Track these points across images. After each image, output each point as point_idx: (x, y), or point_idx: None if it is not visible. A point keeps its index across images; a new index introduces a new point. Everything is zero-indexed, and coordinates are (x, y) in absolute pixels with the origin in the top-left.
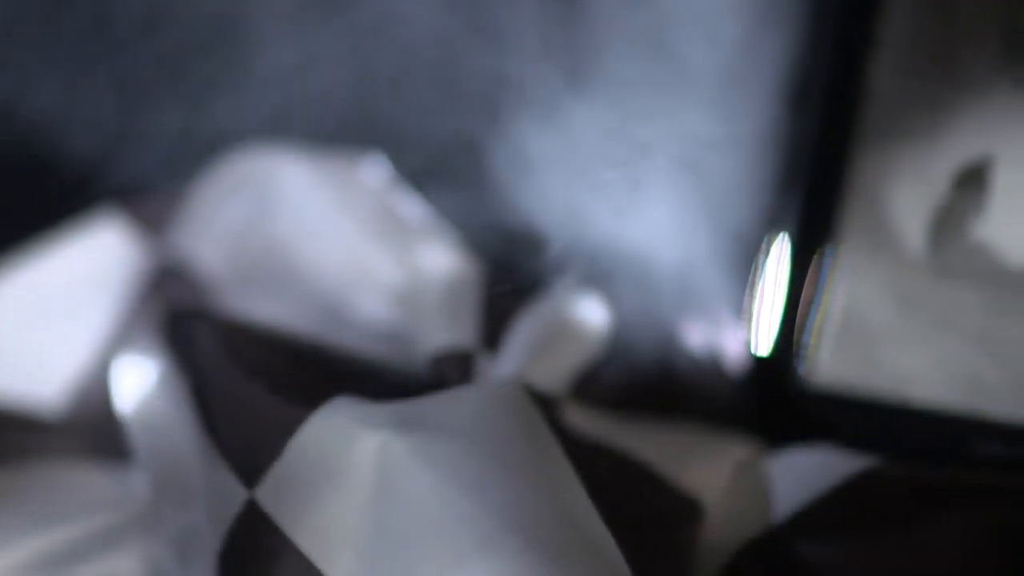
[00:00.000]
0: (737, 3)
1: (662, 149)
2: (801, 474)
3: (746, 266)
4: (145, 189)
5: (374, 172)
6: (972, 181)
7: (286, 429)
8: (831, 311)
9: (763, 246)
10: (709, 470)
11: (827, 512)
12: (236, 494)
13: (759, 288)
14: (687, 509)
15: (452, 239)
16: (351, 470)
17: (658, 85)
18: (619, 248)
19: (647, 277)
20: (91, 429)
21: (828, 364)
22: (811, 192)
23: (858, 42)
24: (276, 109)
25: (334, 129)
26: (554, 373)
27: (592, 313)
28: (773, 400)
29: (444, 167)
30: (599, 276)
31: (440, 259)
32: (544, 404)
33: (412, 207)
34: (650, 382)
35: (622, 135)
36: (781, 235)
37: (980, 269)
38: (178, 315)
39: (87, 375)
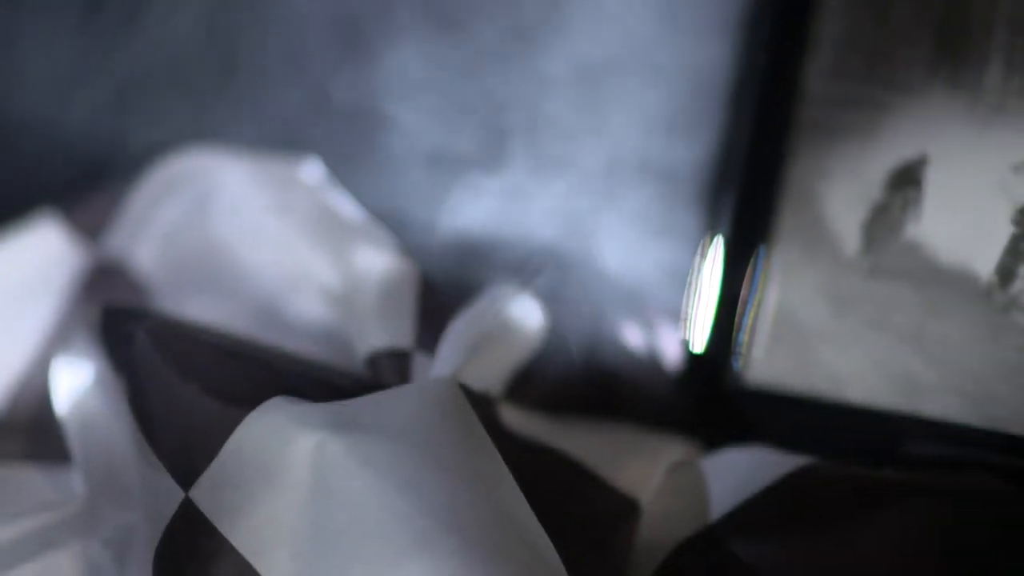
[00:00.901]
0: (672, 6)
1: (599, 151)
2: (737, 473)
3: (682, 266)
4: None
5: (311, 173)
6: (907, 181)
7: (222, 429)
8: (766, 310)
9: (699, 246)
10: (645, 470)
11: (763, 511)
12: (173, 494)
13: (695, 287)
14: (623, 508)
15: (389, 240)
16: (287, 470)
17: (596, 89)
18: (555, 249)
19: (583, 277)
20: (28, 430)
21: (763, 363)
22: (746, 192)
23: (793, 43)
24: None
25: None
26: (490, 373)
27: (528, 313)
28: (709, 399)
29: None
30: (535, 277)
31: (377, 260)
32: (480, 404)
33: (349, 208)
34: (586, 381)
35: (558, 137)
36: (717, 235)
37: (914, 268)
38: (115, 316)
39: (24, 376)
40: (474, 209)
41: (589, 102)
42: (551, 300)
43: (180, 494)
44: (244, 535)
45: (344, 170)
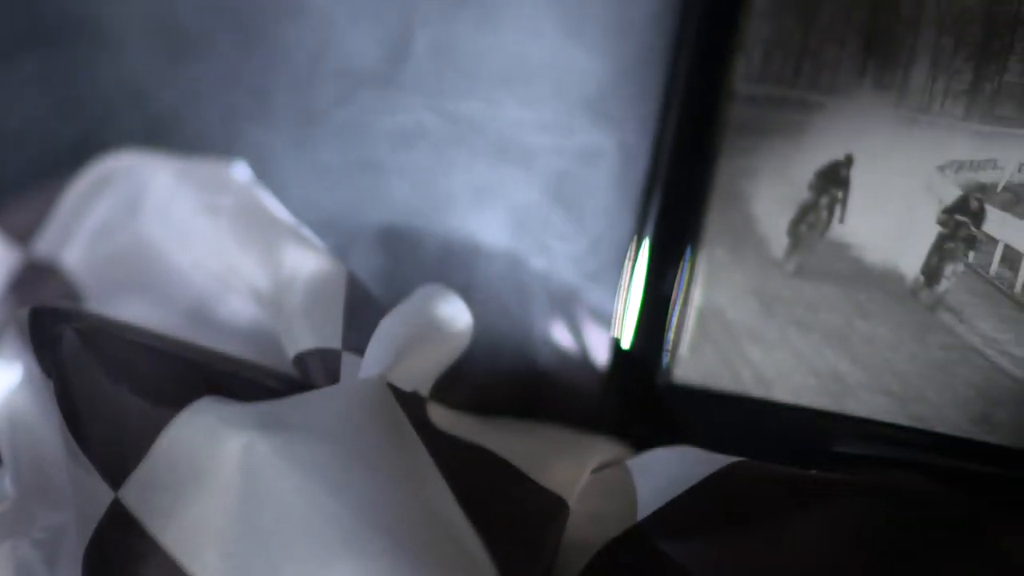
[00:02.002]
0: (601, 5)
1: (529, 150)
2: (664, 473)
3: (611, 265)
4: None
5: (240, 174)
6: (833, 181)
7: (152, 430)
8: (694, 310)
9: (628, 245)
10: (573, 470)
11: (690, 510)
12: (102, 495)
13: (623, 287)
14: (551, 508)
15: (318, 241)
16: (216, 471)
17: (528, 90)
18: (484, 249)
19: (511, 277)
20: None
21: (690, 362)
22: (675, 192)
23: (719, 43)
24: None
25: None
26: (419, 373)
27: (456, 313)
28: (637, 397)
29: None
30: (463, 276)
31: (305, 260)
32: (409, 404)
33: (278, 209)
34: (515, 381)
35: (489, 139)
36: (645, 234)
37: (841, 268)
38: (44, 316)
39: None
40: (393, 201)
41: (523, 94)
42: (478, 299)
43: (110, 495)
44: (174, 535)
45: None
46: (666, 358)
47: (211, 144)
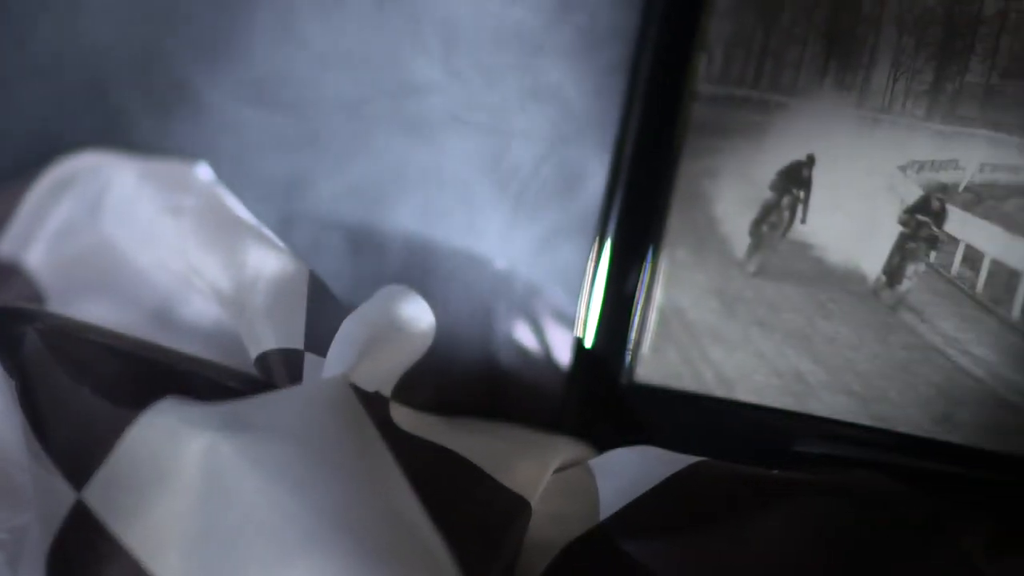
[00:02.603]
0: (565, 7)
1: (492, 151)
2: (626, 473)
3: (573, 265)
4: None
5: (202, 175)
6: (795, 181)
7: (114, 430)
8: (656, 310)
9: (590, 245)
10: (535, 469)
11: (652, 510)
12: (65, 496)
13: (585, 287)
14: (514, 508)
15: (279, 241)
16: (179, 471)
17: (492, 91)
18: (446, 249)
19: (474, 277)
20: None
21: (653, 362)
22: (637, 192)
23: (682, 44)
24: None
25: None
26: (381, 373)
27: (418, 313)
28: (598, 398)
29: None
30: (426, 276)
31: (268, 261)
32: (371, 404)
33: (240, 209)
34: (477, 381)
35: (454, 138)
36: (607, 235)
37: (803, 268)
38: (6, 316)
39: None
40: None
41: (488, 92)
42: (440, 299)
43: (72, 495)
44: (136, 536)
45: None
46: (628, 358)
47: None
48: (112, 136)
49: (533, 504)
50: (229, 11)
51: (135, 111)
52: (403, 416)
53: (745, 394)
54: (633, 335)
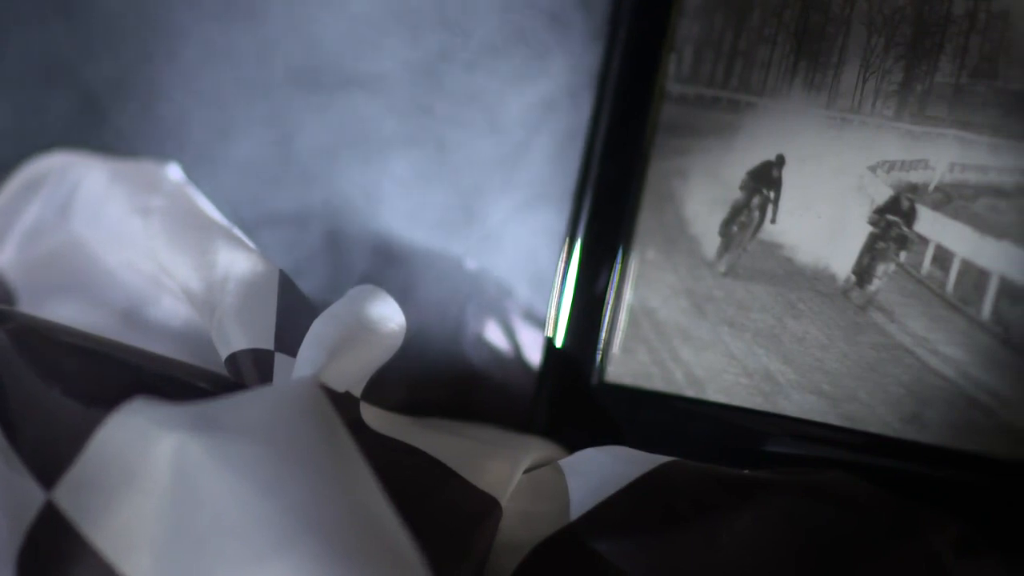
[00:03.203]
0: (533, 7)
1: (462, 150)
2: (597, 473)
3: (544, 265)
4: None
5: (172, 175)
6: (764, 181)
7: (84, 431)
8: (625, 310)
9: (560, 246)
10: (506, 469)
11: (623, 509)
12: (34, 496)
13: (556, 287)
14: (484, 508)
15: (250, 241)
16: (149, 471)
17: (459, 92)
18: (417, 249)
19: (444, 278)
20: None
21: (622, 362)
22: (606, 192)
23: (652, 43)
24: None
25: None
26: (351, 373)
27: (388, 314)
28: (569, 397)
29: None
30: (397, 276)
31: (238, 261)
32: (341, 404)
33: (210, 210)
34: (448, 381)
35: (424, 138)
36: (577, 235)
37: (773, 268)
38: None
39: None
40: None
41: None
42: (411, 299)
43: (42, 496)
44: (106, 536)
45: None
46: (598, 358)
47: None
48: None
49: (503, 504)
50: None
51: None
52: (373, 416)
53: (715, 394)
54: (603, 335)
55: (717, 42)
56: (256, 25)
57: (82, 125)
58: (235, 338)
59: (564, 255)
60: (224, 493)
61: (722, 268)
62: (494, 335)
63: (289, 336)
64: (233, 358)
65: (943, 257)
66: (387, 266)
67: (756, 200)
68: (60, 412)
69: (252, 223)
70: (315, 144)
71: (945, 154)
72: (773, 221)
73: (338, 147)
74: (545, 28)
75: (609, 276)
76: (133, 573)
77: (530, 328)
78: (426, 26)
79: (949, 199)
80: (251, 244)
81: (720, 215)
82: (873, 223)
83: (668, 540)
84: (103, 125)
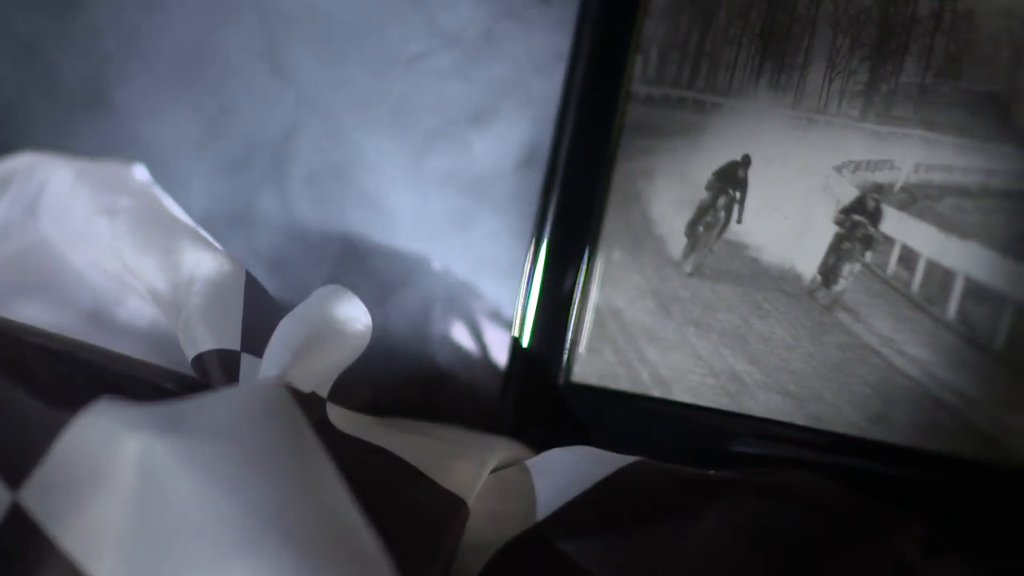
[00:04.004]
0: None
1: (429, 153)
2: (563, 473)
3: (511, 265)
4: None
5: (139, 176)
6: (730, 182)
7: (50, 432)
8: (592, 310)
9: (526, 246)
10: (472, 469)
11: (589, 509)
12: (1, 497)
13: (522, 287)
14: (450, 508)
15: (216, 242)
16: (115, 472)
17: (427, 89)
18: (383, 249)
19: (411, 277)
20: None
21: (589, 362)
22: (573, 193)
23: (617, 44)
24: None
25: None
26: (317, 374)
27: (355, 314)
28: (535, 397)
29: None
30: (363, 277)
31: (204, 261)
32: (308, 405)
33: (176, 210)
34: (414, 381)
35: (391, 139)
36: (543, 235)
37: (738, 268)
38: None
39: None
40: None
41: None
42: (377, 299)
43: (8, 497)
44: (73, 537)
45: None
46: (565, 358)
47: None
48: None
49: (470, 504)
50: None
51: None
52: (340, 416)
53: (681, 394)
54: (570, 335)
55: (683, 43)
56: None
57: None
58: (201, 339)
59: (531, 255)
60: (190, 493)
61: (688, 268)
62: (461, 335)
63: (255, 337)
64: (199, 359)
65: (909, 257)
66: (353, 266)
67: (722, 200)
68: (26, 413)
69: (216, 224)
70: (280, 144)
71: (910, 154)
72: (739, 221)
73: (303, 147)
74: (510, 27)
75: (575, 276)
76: (99, 573)
77: (496, 328)
78: (398, 25)
79: (915, 199)
80: (217, 245)
81: (686, 215)
82: (839, 223)
83: (634, 540)
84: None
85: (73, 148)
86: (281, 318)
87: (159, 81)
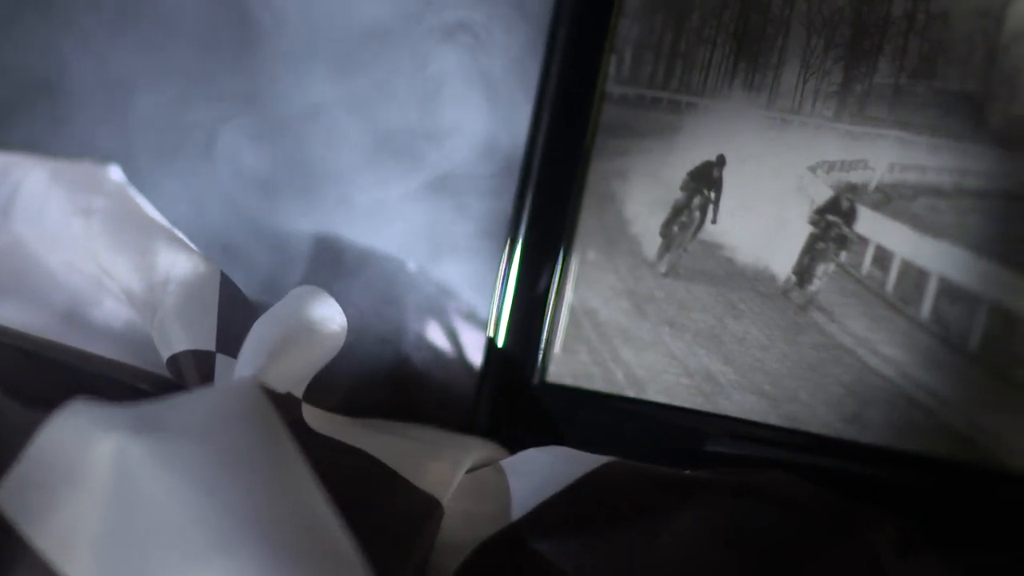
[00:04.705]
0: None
1: (403, 152)
2: (538, 473)
3: (485, 266)
4: None
5: (113, 176)
6: (705, 182)
7: (25, 432)
8: (566, 310)
9: (502, 246)
10: (447, 470)
11: (564, 509)
12: None
13: (497, 287)
14: (425, 508)
15: (190, 242)
16: (90, 472)
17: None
18: (357, 250)
19: (386, 277)
20: None
21: (564, 362)
22: (547, 193)
23: (592, 45)
24: None
25: None
26: (293, 374)
27: (330, 314)
28: (510, 397)
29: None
30: (338, 277)
31: (179, 262)
32: (283, 405)
33: (151, 210)
34: (389, 382)
35: (363, 139)
36: (518, 235)
37: (713, 269)
38: None
39: None
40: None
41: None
42: (352, 300)
43: None
44: (47, 537)
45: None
46: (540, 358)
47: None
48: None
49: (444, 504)
50: None
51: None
52: (315, 417)
53: (656, 394)
54: (544, 336)
55: (657, 43)
56: None
57: None
58: (176, 339)
59: (505, 256)
60: (165, 494)
61: (663, 268)
62: (436, 336)
63: (230, 337)
64: (174, 359)
65: (883, 257)
66: (328, 267)
67: (697, 201)
68: (1, 413)
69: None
70: (254, 146)
71: (885, 154)
72: (714, 221)
73: (277, 149)
74: (484, 28)
75: (550, 277)
76: (74, 574)
77: (471, 329)
78: (370, 21)
79: (889, 199)
80: (192, 245)
81: (661, 216)
82: (813, 223)
83: (609, 540)
84: None
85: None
86: (256, 318)
87: (117, 69)
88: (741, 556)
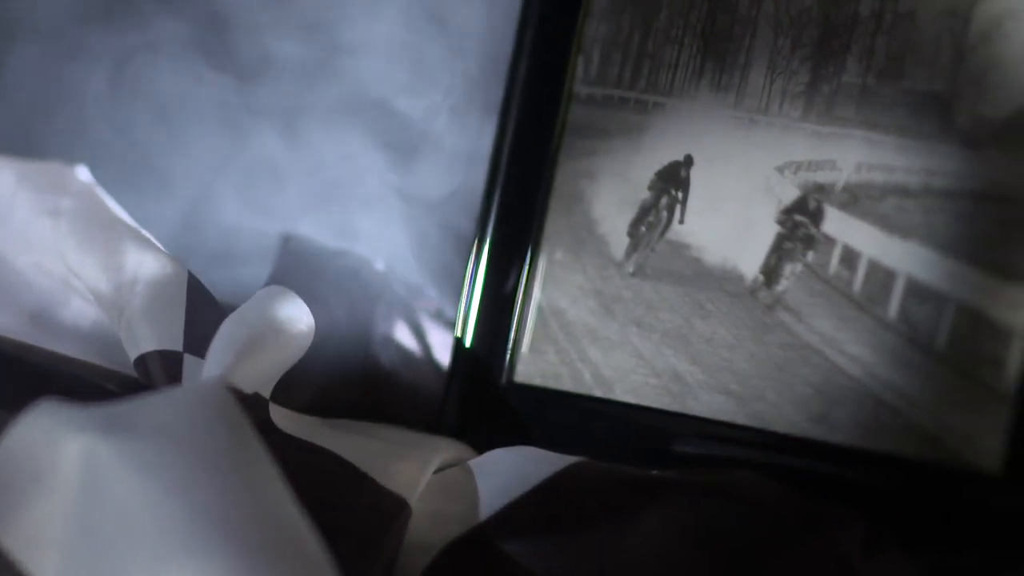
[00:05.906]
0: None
1: (370, 151)
2: (506, 473)
3: (452, 266)
4: None
5: (80, 176)
6: (672, 182)
7: None
8: (534, 310)
9: (469, 246)
10: (415, 470)
11: (532, 510)
12: None
13: (465, 287)
14: (392, 508)
15: (158, 242)
16: (57, 473)
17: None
18: (325, 249)
19: (354, 277)
20: None
21: (531, 362)
22: (515, 193)
23: (559, 45)
24: None
25: None
26: (260, 374)
27: (297, 314)
28: (478, 397)
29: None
30: (305, 277)
31: (147, 262)
32: (250, 405)
33: (118, 211)
34: (357, 382)
35: (331, 138)
36: (486, 235)
37: (680, 268)
38: None
39: None
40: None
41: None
42: (320, 300)
43: None
44: (15, 538)
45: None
46: (507, 358)
47: None
48: None
49: (412, 504)
50: None
51: None
52: (282, 417)
53: (623, 394)
54: (512, 335)
55: (624, 43)
56: None
57: None
58: (144, 340)
59: (473, 256)
60: (132, 494)
61: (630, 268)
62: (403, 336)
63: (198, 337)
64: (142, 360)
65: (850, 257)
66: (295, 267)
67: (664, 200)
68: None
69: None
70: (223, 144)
71: (852, 154)
72: (681, 221)
73: (245, 145)
74: (450, 29)
75: (518, 277)
76: (41, 574)
77: (439, 329)
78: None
79: (856, 199)
80: (159, 245)
81: (628, 216)
82: (781, 223)
83: (577, 540)
84: None
85: None
86: (224, 319)
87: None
88: (710, 556)
